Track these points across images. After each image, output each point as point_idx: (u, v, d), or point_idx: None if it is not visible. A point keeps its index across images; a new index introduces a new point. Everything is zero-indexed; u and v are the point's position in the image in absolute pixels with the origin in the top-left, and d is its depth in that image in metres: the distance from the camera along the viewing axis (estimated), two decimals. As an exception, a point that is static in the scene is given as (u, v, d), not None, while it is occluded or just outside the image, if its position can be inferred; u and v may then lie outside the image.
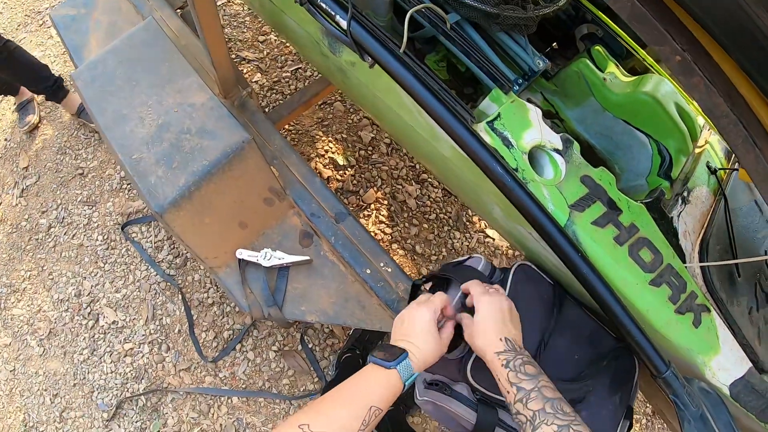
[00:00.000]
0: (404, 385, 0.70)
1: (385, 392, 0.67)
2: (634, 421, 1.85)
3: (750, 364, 0.99)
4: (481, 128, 0.90)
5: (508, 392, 0.69)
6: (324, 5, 0.90)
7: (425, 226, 1.80)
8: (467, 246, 1.80)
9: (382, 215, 1.79)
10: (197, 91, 1.16)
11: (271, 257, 1.15)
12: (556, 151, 0.93)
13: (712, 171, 1.11)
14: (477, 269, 0.97)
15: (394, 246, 1.74)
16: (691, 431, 0.90)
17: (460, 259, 1.02)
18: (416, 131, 0.99)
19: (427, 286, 1.04)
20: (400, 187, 1.83)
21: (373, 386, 0.67)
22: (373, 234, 1.72)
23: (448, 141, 0.92)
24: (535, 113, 0.95)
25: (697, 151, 1.13)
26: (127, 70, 1.20)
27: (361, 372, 0.69)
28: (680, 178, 1.09)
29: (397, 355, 0.71)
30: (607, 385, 1.01)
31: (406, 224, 1.78)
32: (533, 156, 0.95)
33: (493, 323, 0.75)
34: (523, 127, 0.92)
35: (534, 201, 0.84)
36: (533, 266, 1.01)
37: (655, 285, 0.93)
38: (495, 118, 0.91)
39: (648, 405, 1.76)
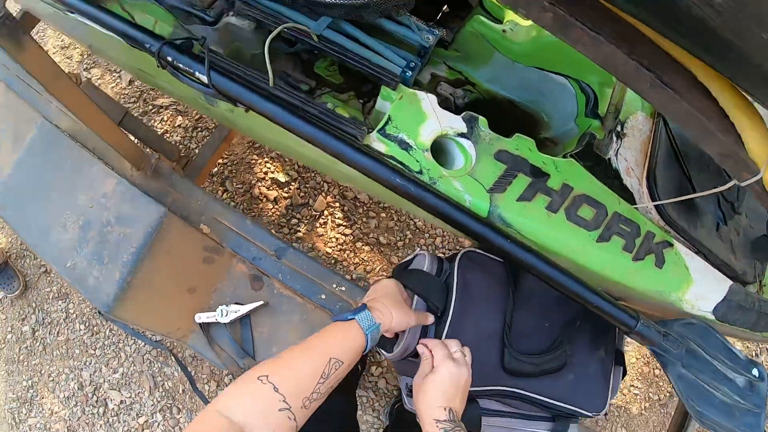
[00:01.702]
0: (366, 337, 0.70)
1: (345, 344, 0.68)
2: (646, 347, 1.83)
3: (729, 282, 0.95)
4: (374, 139, 0.85)
5: None
6: (181, 65, 0.84)
7: (383, 215, 1.77)
8: (430, 223, 1.75)
9: (338, 218, 1.77)
10: (105, 179, 1.14)
11: (227, 313, 1.15)
12: (461, 135, 0.87)
13: (643, 93, 1.03)
14: (426, 272, 0.93)
15: (359, 244, 1.72)
16: (675, 373, 0.88)
17: (407, 259, 0.99)
18: (317, 159, 0.94)
19: None
20: (345, 185, 1.77)
21: (333, 339, 0.68)
22: (334, 239, 1.71)
23: (346, 161, 0.87)
24: (428, 102, 0.88)
25: (621, 76, 1.05)
26: (36, 181, 1.20)
27: (324, 329, 0.70)
28: (610, 112, 1.02)
29: (356, 309, 0.73)
30: (587, 343, 1.00)
31: (364, 219, 1.76)
32: (439, 146, 0.90)
33: (444, 391, 0.72)
34: (418, 122, 0.86)
35: (446, 201, 0.79)
36: (478, 250, 0.97)
37: (604, 240, 0.89)
38: (385, 124, 0.85)
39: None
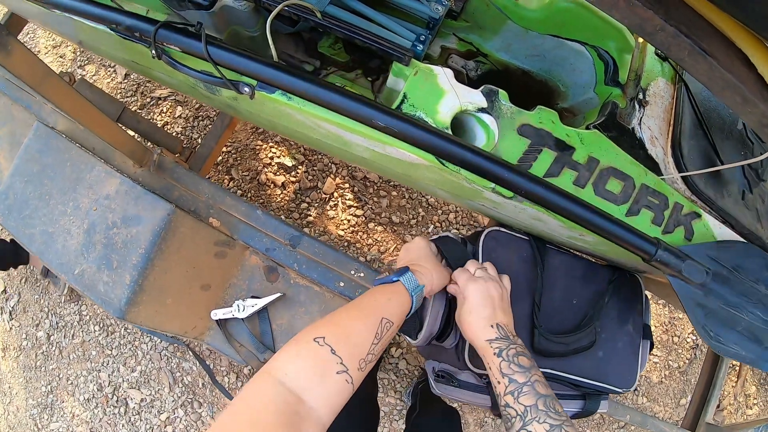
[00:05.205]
0: (411, 297, 0.71)
1: (394, 305, 0.68)
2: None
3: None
4: (391, 119, 0.80)
5: (499, 383, 0.67)
6: (180, 46, 0.79)
7: (394, 194, 1.74)
8: (443, 200, 1.71)
9: (348, 199, 1.73)
10: (106, 180, 1.10)
11: (244, 308, 1.13)
12: (482, 110, 0.83)
13: (663, 58, 0.98)
14: (454, 238, 0.91)
15: (371, 225, 1.68)
16: (693, 301, 0.84)
17: (433, 238, 0.96)
18: (327, 143, 0.90)
19: None
20: (355, 165, 1.73)
21: (383, 300, 0.68)
22: (346, 221, 1.68)
23: (361, 144, 0.83)
24: (445, 76, 0.83)
25: (641, 41, 1.00)
26: (36, 187, 1.15)
27: (369, 291, 0.70)
28: (631, 80, 0.97)
29: (399, 271, 0.74)
30: (615, 318, 0.99)
31: (375, 199, 1.72)
32: (458, 123, 0.85)
33: (482, 310, 0.73)
34: (436, 99, 0.82)
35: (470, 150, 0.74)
36: (502, 229, 0.94)
37: (633, 214, 0.86)
38: (401, 102, 0.80)
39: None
